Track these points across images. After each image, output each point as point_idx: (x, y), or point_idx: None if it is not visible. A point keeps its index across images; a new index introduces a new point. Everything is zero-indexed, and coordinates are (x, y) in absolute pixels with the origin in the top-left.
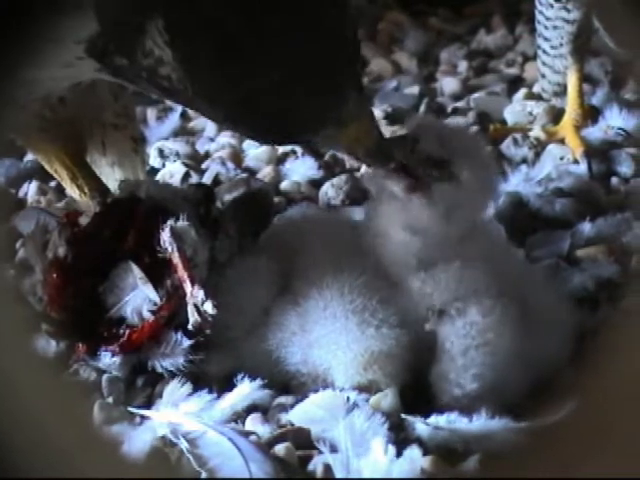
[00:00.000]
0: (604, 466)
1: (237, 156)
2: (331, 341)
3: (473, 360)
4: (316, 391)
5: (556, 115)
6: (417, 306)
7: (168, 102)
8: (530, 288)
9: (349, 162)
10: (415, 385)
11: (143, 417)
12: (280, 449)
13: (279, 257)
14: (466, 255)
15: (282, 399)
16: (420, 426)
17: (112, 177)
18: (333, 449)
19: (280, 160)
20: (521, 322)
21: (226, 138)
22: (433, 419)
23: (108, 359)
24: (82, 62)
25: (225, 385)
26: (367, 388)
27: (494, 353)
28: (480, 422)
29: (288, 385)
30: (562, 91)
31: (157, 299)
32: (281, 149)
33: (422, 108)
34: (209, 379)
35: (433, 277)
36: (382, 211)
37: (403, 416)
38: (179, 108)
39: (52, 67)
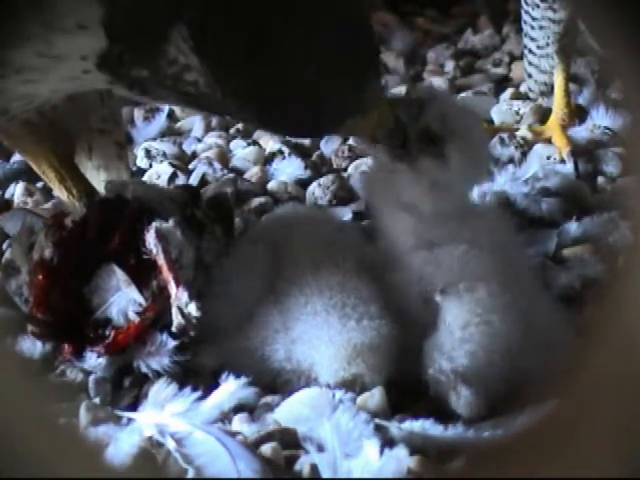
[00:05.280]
0: (570, 466)
1: (224, 156)
2: (313, 336)
3: (471, 336)
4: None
5: (543, 115)
6: (405, 293)
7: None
8: (534, 295)
9: (336, 162)
10: (402, 381)
11: (130, 418)
12: (267, 449)
13: (268, 252)
14: (467, 239)
15: (268, 398)
16: (394, 431)
17: (97, 180)
18: (320, 449)
19: (267, 160)
20: (524, 319)
21: (213, 138)
22: (407, 424)
23: (94, 360)
24: (89, 75)
25: (212, 382)
26: (352, 383)
27: (493, 335)
28: (454, 430)
29: (274, 383)
30: (549, 91)
31: (142, 300)
32: (268, 149)
33: None
34: (199, 372)
35: (437, 257)
36: (376, 192)
37: (377, 421)
38: (166, 108)
39: (53, 82)
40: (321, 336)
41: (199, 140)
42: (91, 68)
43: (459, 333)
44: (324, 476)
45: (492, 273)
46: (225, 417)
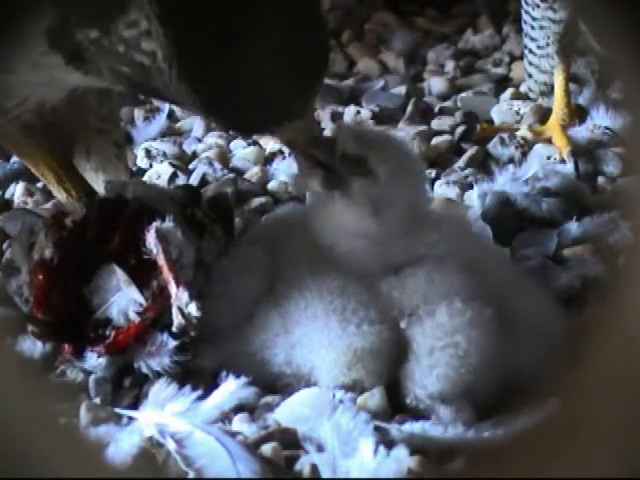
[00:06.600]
0: (570, 466)
1: (224, 156)
2: (313, 340)
3: (438, 361)
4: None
5: (543, 115)
6: (392, 307)
7: (155, 102)
8: (513, 291)
9: None
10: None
11: (130, 418)
12: (267, 449)
13: (268, 252)
14: (435, 256)
15: (268, 398)
16: (394, 433)
17: (96, 181)
18: (320, 449)
19: (267, 160)
20: (499, 326)
21: (213, 138)
22: (408, 426)
23: (94, 360)
24: (48, 59)
25: (212, 382)
26: (351, 388)
27: (461, 356)
28: (454, 431)
29: (273, 386)
30: (549, 91)
31: (142, 300)
32: (269, 149)
33: (409, 108)
34: (198, 373)
35: (402, 281)
36: (323, 223)
37: (377, 423)
38: (166, 108)
39: (24, 71)
40: (321, 340)
41: (199, 140)
42: (46, 50)
43: (426, 360)
44: (324, 476)
45: (459, 287)
46: (225, 417)
